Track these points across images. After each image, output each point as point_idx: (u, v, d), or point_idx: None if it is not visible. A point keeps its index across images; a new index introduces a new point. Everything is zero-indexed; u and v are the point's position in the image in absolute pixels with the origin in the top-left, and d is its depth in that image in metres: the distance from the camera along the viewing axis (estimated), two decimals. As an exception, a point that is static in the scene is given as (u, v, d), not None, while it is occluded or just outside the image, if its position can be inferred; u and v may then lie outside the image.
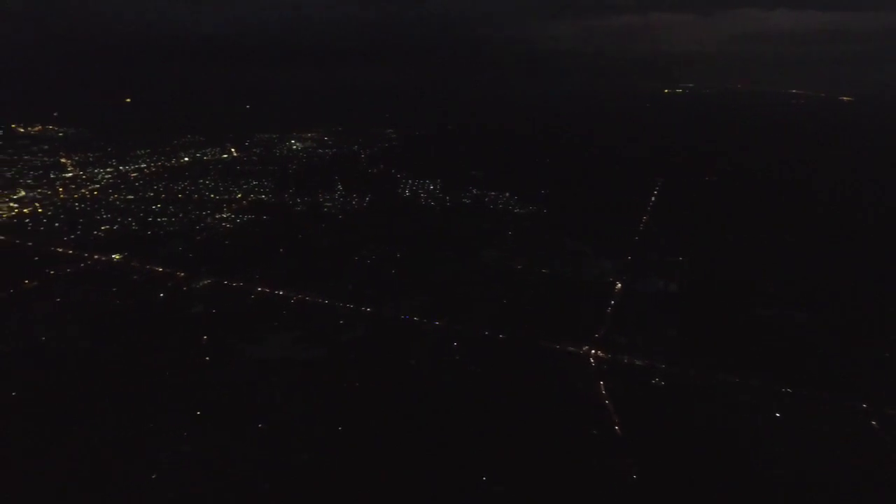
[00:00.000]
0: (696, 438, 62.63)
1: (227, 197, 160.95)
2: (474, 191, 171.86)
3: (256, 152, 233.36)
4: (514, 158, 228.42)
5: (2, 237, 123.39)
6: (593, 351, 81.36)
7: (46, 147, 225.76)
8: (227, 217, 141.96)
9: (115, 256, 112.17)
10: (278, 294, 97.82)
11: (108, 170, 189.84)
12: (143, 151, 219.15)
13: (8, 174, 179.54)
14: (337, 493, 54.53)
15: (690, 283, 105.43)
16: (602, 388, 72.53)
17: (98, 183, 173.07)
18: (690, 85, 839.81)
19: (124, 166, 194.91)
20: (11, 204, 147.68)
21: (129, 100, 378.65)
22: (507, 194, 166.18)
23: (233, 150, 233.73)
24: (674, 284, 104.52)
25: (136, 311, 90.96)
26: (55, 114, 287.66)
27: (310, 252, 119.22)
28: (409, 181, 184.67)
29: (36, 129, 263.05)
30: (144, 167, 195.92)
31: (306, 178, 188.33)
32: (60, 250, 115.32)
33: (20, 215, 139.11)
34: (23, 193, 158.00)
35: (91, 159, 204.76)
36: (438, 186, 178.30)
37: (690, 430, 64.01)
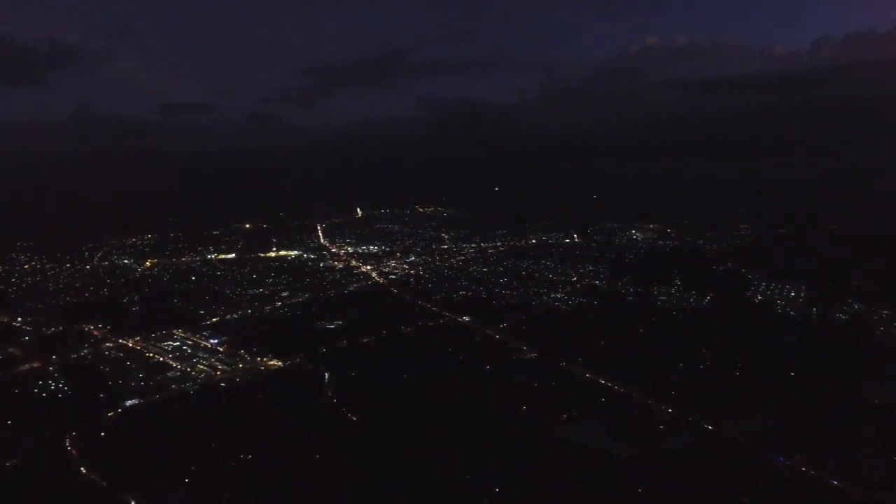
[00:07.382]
0: None
1: (563, 278, 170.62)
2: (856, 305, 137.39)
3: (597, 239, 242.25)
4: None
5: (395, 290, 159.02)
6: None
7: (434, 224, 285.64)
8: (561, 298, 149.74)
9: (465, 318, 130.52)
10: (598, 381, 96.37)
11: (472, 245, 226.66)
12: (500, 232, 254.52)
13: (408, 241, 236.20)
14: None
15: None
16: None
17: (464, 255, 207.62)
18: None
19: (485, 243, 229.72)
20: (404, 265, 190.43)
21: (497, 188, 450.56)
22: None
23: (575, 235, 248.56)
24: None
25: (471, 367, 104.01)
26: (444, 198, 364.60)
27: (635, 345, 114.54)
28: (763, 283, 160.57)
29: (430, 209, 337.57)
30: (500, 245, 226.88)
31: (643, 268, 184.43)
32: (428, 306, 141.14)
33: (407, 274, 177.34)
34: (413, 258, 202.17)
35: (462, 235, 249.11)
36: (803, 294, 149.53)
37: None
